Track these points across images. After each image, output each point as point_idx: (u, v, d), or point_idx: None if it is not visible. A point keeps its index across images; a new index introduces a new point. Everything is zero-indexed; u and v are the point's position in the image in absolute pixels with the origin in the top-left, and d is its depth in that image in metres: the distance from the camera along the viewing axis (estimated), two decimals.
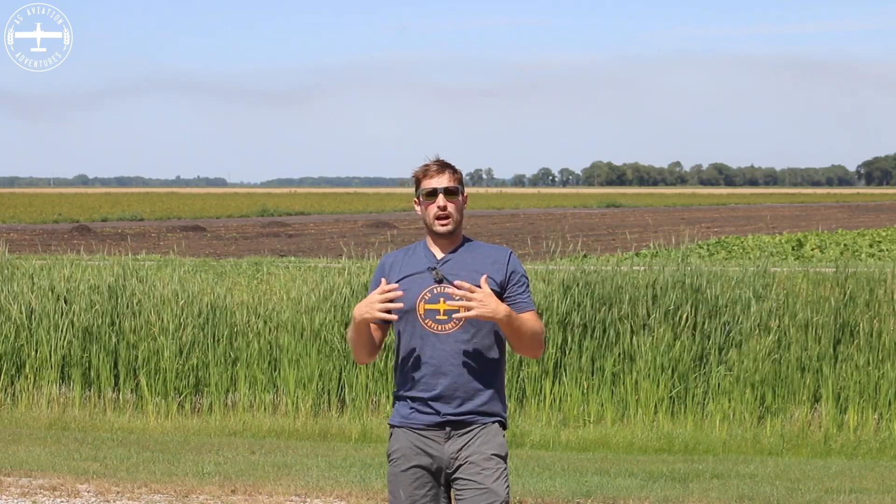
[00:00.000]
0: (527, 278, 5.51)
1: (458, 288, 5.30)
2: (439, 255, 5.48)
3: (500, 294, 5.42)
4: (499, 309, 5.31)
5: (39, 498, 9.66)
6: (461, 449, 5.41)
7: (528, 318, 5.41)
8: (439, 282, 5.42)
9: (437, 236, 5.47)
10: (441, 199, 5.44)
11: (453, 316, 5.38)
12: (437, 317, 5.41)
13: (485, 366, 5.42)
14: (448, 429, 5.42)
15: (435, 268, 5.45)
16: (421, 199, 5.49)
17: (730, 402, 13.80)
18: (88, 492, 9.86)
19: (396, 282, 5.46)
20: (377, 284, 5.48)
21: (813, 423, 13.70)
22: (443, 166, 5.51)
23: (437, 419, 5.43)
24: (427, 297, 5.43)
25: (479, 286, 5.34)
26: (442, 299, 5.42)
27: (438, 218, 5.44)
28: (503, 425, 5.49)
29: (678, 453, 13.10)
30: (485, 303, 5.29)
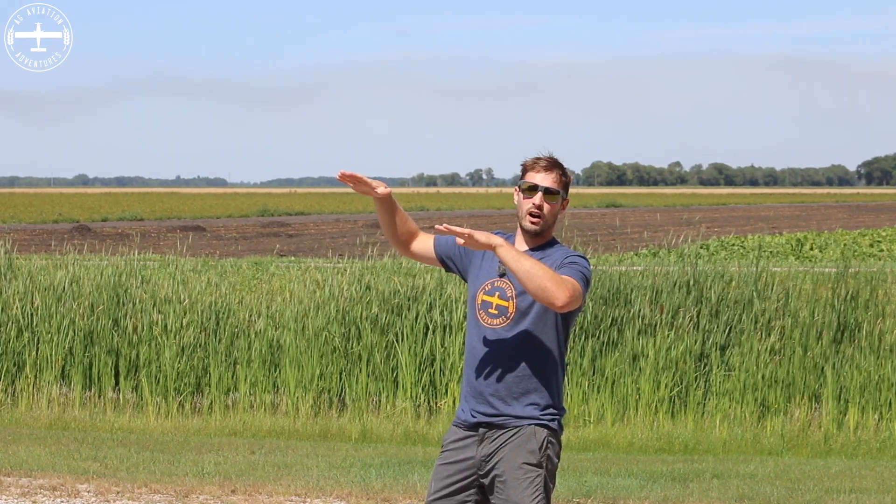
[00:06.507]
0: (579, 265, 5.28)
1: (446, 230, 5.21)
2: (519, 248, 5.36)
3: None
4: (492, 237, 5.19)
5: (39, 498, 9.65)
6: (493, 454, 5.27)
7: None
8: (502, 275, 5.34)
9: (523, 230, 5.39)
10: (538, 198, 5.35)
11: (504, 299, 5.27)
12: (490, 310, 5.33)
13: (528, 367, 5.26)
14: (482, 430, 5.29)
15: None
16: (521, 189, 5.40)
17: (730, 402, 13.80)
18: (88, 492, 9.85)
19: (476, 263, 5.42)
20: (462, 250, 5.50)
21: (813, 423, 13.69)
22: (552, 165, 5.40)
23: (472, 419, 5.32)
24: (487, 289, 5.36)
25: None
26: (497, 294, 5.33)
27: (531, 214, 5.35)
28: (545, 427, 5.29)
29: (678, 453, 13.09)
30: (474, 233, 5.17)
